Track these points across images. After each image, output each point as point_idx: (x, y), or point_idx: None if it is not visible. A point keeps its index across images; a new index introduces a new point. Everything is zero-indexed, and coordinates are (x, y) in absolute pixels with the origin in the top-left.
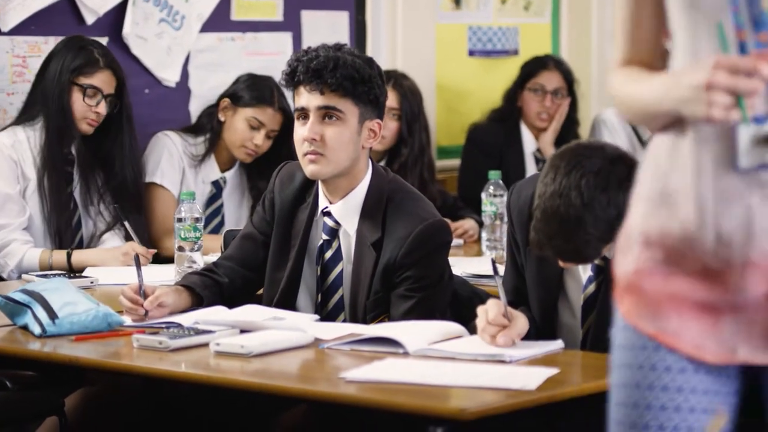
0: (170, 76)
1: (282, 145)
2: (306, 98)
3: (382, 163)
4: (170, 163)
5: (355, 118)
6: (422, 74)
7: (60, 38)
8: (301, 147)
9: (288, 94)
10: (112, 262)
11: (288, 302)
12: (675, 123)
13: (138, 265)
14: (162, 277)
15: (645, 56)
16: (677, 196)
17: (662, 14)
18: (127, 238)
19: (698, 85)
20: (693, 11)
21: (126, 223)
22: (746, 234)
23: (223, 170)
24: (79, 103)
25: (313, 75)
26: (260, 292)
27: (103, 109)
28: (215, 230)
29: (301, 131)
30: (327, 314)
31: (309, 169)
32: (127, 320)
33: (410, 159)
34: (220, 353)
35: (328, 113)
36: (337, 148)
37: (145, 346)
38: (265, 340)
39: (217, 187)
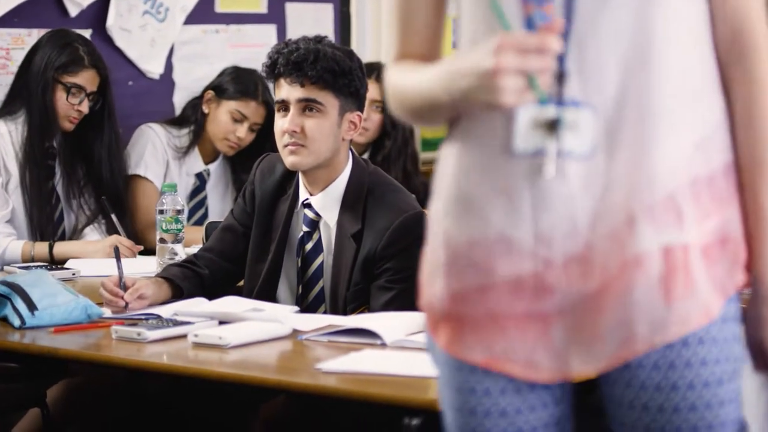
0: (154, 68)
1: (265, 138)
2: (286, 90)
3: (366, 155)
4: (154, 155)
5: (335, 110)
6: None
7: (43, 31)
8: (281, 139)
9: (270, 86)
10: (94, 255)
11: (268, 294)
12: (460, 116)
13: (118, 257)
14: (144, 268)
15: (421, 49)
16: (481, 196)
17: (440, 1)
18: (109, 231)
19: (485, 71)
20: None
21: (113, 216)
22: (569, 226)
23: (206, 162)
24: (62, 101)
25: (294, 67)
26: (242, 283)
27: (85, 107)
28: (199, 222)
29: (281, 123)
30: (307, 306)
31: (289, 160)
32: (107, 312)
33: (394, 151)
34: (198, 344)
35: (308, 105)
36: (317, 140)
37: (124, 338)
38: (243, 332)
39: (201, 179)
